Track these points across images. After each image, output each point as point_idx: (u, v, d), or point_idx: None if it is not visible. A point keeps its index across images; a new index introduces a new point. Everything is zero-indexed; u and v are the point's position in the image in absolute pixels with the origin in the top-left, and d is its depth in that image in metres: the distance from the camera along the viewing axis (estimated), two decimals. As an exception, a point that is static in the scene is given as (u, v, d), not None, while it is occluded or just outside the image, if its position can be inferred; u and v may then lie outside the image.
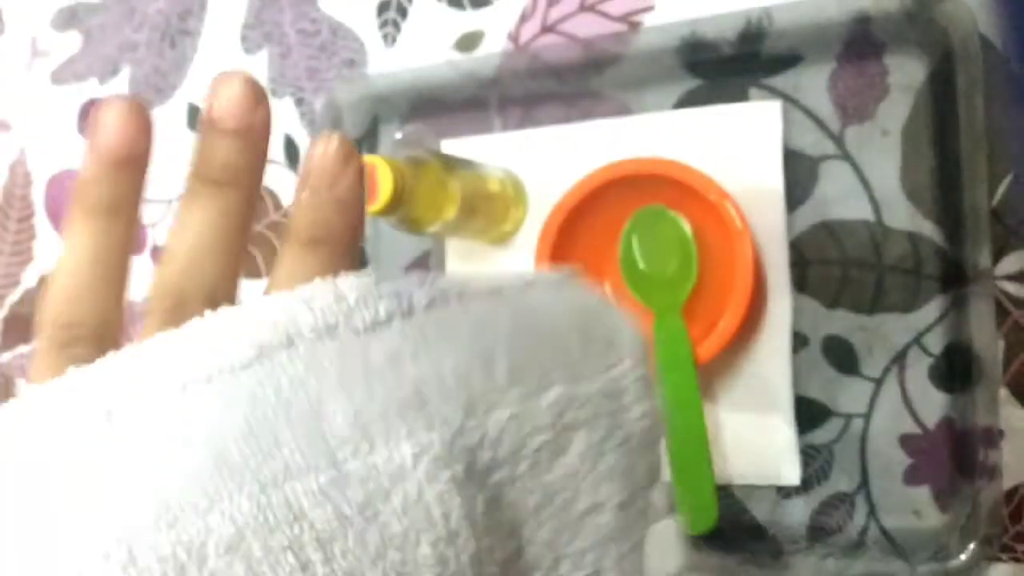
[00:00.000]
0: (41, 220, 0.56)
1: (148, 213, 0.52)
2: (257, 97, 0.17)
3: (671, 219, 0.37)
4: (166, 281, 0.17)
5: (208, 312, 0.16)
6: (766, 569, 0.35)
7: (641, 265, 0.38)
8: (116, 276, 0.18)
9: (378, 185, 0.33)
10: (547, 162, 0.41)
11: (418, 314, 0.15)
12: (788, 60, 0.38)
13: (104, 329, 0.17)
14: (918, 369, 0.36)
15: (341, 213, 0.17)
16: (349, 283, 0.15)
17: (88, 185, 0.17)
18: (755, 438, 0.37)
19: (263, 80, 0.50)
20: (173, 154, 0.58)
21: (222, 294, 0.17)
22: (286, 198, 0.49)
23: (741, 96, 0.38)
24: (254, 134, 0.17)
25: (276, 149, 0.49)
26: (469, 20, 0.44)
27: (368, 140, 0.46)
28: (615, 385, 0.17)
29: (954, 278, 0.35)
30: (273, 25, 0.50)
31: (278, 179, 0.49)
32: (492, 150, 0.42)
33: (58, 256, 0.17)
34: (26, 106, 0.57)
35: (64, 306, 0.17)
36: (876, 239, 0.36)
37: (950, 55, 0.34)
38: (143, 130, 0.17)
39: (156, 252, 0.52)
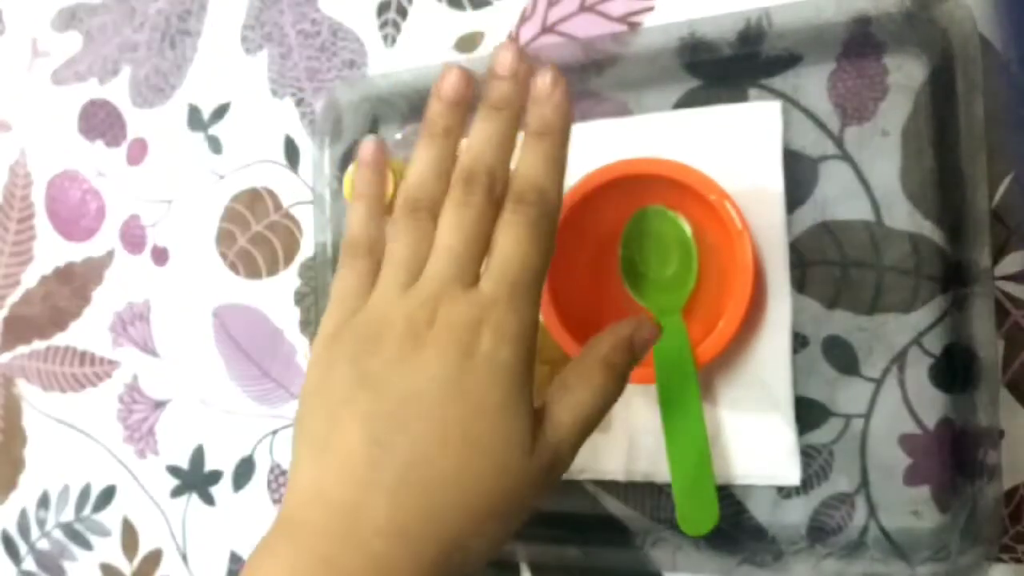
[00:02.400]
0: (41, 221, 0.56)
1: (148, 213, 0.52)
2: (521, 56, 0.28)
3: (671, 220, 0.37)
4: (462, 167, 0.27)
5: (486, 180, 0.27)
6: (766, 569, 0.35)
7: (641, 266, 0.38)
8: (447, 174, 0.28)
9: (378, 185, 0.33)
10: (547, 162, 0.41)
11: None
12: (788, 61, 0.38)
13: (436, 201, 0.27)
14: (918, 369, 0.36)
15: (556, 114, 0.27)
16: None
17: (432, 119, 0.28)
18: (755, 438, 0.37)
19: (263, 81, 0.50)
20: (173, 155, 0.58)
21: (499, 174, 0.27)
22: (286, 198, 0.49)
23: (741, 96, 0.38)
24: (517, 74, 0.28)
25: (276, 150, 0.49)
26: (469, 21, 0.44)
27: (368, 141, 0.46)
28: None
29: (954, 278, 0.35)
30: (273, 26, 0.50)
31: (278, 179, 0.49)
32: (492, 150, 0.42)
33: (412, 159, 0.28)
34: (26, 106, 0.57)
35: (412, 190, 0.28)
36: (876, 239, 0.36)
37: (950, 56, 0.34)
38: (469, 84, 0.28)
39: (156, 251, 0.52)
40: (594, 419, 0.28)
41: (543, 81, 0.27)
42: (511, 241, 0.26)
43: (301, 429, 0.27)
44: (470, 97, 0.28)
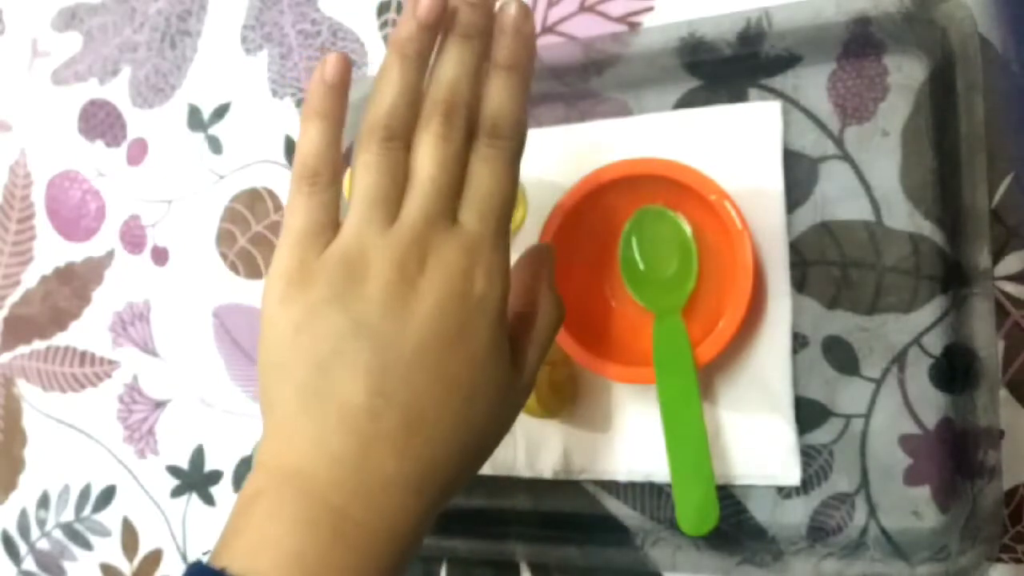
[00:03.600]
0: (41, 221, 0.56)
1: (148, 213, 0.52)
2: None
3: (671, 219, 0.37)
4: (438, 98, 0.26)
5: (465, 112, 0.26)
6: (766, 569, 0.35)
7: (641, 266, 0.38)
8: (417, 99, 0.26)
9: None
10: (547, 162, 0.41)
11: None
12: (787, 61, 0.38)
13: (408, 129, 0.26)
14: (918, 369, 0.36)
15: (525, 47, 0.27)
16: None
17: (404, 40, 0.26)
18: (755, 439, 0.37)
19: (263, 81, 0.50)
20: (174, 155, 0.58)
21: (475, 107, 0.27)
22: (286, 198, 0.49)
23: (741, 96, 0.38)
24: (486, 5, 0.27)
25: (277, 150, 0.49)
26: (469, 21, 0.44)
27: (368, 141, 0.46)
28: None
29: (954, 278, 0.35)
30: (273, 26, 0.50)
31: (278, 179, 0.49)
32: (492, 151, 0.42)
33: (378, 84, 0.26)
34: (27, 106, 0.57)
35: (384, 118, 0.26)
36: (876, 239, 0.36)
37: (950, 56, 0.34)
38: (443, 6, 0.26)
39: (156, 252, 0.52)
40: (548, 350, 0.29)
41: (512, 14, 0.27)
42: (491, 176, 0.26)
43: (283, 377, 0.25)
44: (443, 20, 0.27)
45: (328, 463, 0.24)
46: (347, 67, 0.27)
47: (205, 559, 0.24)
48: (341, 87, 0.27)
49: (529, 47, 0.27)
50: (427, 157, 0.26)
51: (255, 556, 0.23)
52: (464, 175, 0.26)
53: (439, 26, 0.26)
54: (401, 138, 0.26)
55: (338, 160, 0.27)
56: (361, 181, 0.26)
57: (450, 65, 0.26)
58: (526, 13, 0.27)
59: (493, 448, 0.27)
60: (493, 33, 0.27)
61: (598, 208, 0.38)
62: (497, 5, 0.27)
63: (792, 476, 0.37)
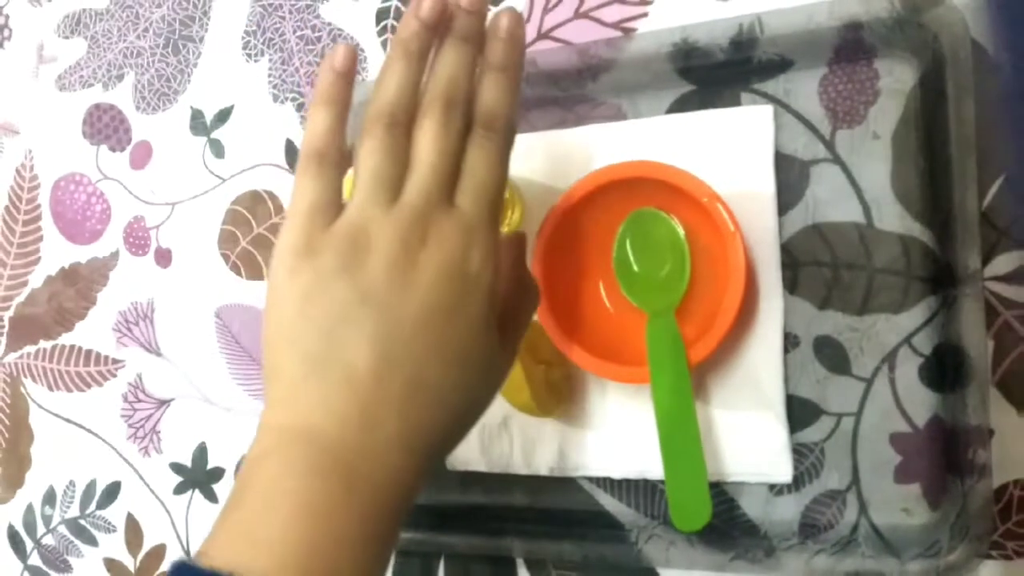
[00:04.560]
0: (47, 223, 0.56)
1: (152, 216, 0.53)
2: None
3: (665, 221, 0.38)
4: (438, 91, 0.28)
5: (462, 106, 0.28)
6: (758, 565, 0.36)
7: (635, 267, 0.38)
8: (417, 92, 0.28)
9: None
10: (542, 166, 0.42)
11: None
12: (779, 65, 0.38)
13: (410, 118, 0.28)
14: (908, 369, 0.36)
15: (517, 51, 0.29)
16: None
17: (408, 38, 0.28)
18: (747, 436, 0.38)
19: (264, 86, 0.50)
20: (177, 159, 0.59)
21: (471, 100, 0.28)
22: (287, 201, 0.49)
23: (733, 101, 0.39)
24: (482, 12, 0.29)
25: (277, 153, 0.50)
26: (467, 26, 0.45)
27: (368, 144, 0.46)
28: None
29: (944, 279, 0.35)
30: (274, 32, 0.50)
31: (279, 182, 0.50)
32: (489, 154, 0.43)
33: (382, 76, 0.28)
34: (33, 111, 0.57)
35: (388, 106, 0.28)
36: (866, 241, 0.37)
37: (940, 59, 0.34)
38: (443, 6, 0.28)
39: (159, 253, 0.53)
40: (527, 326, 0.32)
41: (506, 21, 0.29)
42: (485, 165, 0.28)
43: (291, 344, 0.26)
44: (443, 21, 0.29)
45: (335, 423, 0.26)
46: (355, 57, 0.29)
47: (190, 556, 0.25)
48: (348, 75, 0.29)
49: (520, 51, 0.29)
50: (428, 144, 0.27)
51: (269, 510, 0.25)
52: (459, 164, 0.28)
53: (439, 27, 0.29)
54: (403, 125, 0.28)
55: (343, 143, 0.28)
56: (366, 163, 0.27)
57: (450, 63, 0.28)
58: (519, 21, 0.29)
59: (481, 413, 0.29)
60: (487, 37, 0.29)
61: (593, 210, 0.38)
62: (492, 12, 0.29)
63: (784, 473, 0.37)
